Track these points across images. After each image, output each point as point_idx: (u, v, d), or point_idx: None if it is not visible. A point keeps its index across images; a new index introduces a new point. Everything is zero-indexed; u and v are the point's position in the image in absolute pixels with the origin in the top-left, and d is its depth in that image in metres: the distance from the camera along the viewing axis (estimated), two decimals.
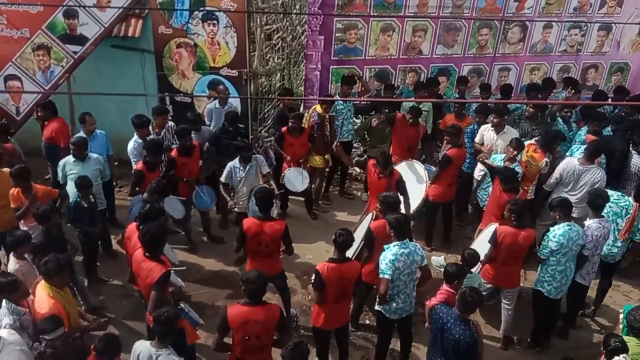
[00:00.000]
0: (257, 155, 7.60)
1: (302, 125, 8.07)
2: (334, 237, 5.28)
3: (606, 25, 9.66)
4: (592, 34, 9.73)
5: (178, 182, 7.44)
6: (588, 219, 6.23)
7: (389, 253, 5.26)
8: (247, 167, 7.23)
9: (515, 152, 7.09)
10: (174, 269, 5.57)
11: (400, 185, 6.84)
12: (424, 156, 8.77)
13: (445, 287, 5.37)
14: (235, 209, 7.44)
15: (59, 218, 6.47)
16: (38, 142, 8.09)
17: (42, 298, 4.87)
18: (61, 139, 7.77)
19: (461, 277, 5.39)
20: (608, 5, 9.48)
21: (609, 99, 9.23)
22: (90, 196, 6.68)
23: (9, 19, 8.05)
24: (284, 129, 8.03)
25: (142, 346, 4.53)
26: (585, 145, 7.46)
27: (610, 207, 6.45)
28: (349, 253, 6.36)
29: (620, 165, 7.56)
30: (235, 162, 7.24)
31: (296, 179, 7.90)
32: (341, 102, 8.46)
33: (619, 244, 6.56)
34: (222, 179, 7.31)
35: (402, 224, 5.34)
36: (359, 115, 9.47)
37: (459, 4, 8.89)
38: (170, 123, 7.97)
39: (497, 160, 7.30)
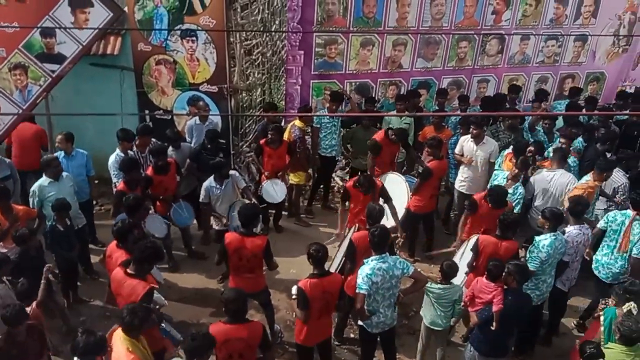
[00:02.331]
0: (233, 172, 7.57)
1: (282, 138, 8.07)
2: (308, 253, 5.24)
3: (582, 35, 9.83)
4: (569, 44, 9.88)
5: (155, 200, 7.40)
6: (568, 225, 6.28)
7: (367, 267, 5.21)
8: (224, 185, 7.19)
9: (518, 172, 7.10)
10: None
11: (384, 194, 6.87)
12: (405, 167, 8.81)
13: (492, 286, 5.34)
14: (215, 227, 7.39)
15: (39, 240, 6.38)
16: None
17: (121, 354, 4.43)
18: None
19: (503, 271, 5.38)
20: (583, 16, 9.66)
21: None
22: (67, 219, 6.57)
23: None
24: (262, 140, 8.05)
25: None
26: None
27: (609, 226, 6.47)
28: (333, 267, 6.39)
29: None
30: (211, 182, 7.19)
31: (273, 190, 7.92)
32: (327, 116, 8.49)
33: (619, 261, 6.40)
34: (201, 199, 7.27)
35: (379, 237, 5.29)
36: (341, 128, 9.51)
37: (438, 18, 8.97)
38: (154, 140, 7.93)
39: (499, 177, 7.31)
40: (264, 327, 4.88)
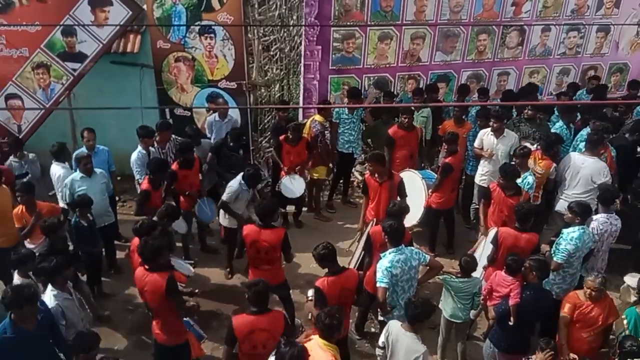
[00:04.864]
0: None
1: (301, 135, 8.08)
2: (317, 253, 5.15)
3: (604, 26, 9.67)
4: (591, 35, 9.74)
5: (179, 195, 7.45)
6: (597, 212, 6.24)
7: (385, 261, 5.21)
8: (250, 190, 7.16)
9: (518, 161, 7.06)
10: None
11: (401, 189, 6.86)
12: (423, 163, 8.76)
13: (509, 279, 5.28)
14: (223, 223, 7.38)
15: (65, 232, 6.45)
16: None
17: None
18: None
19: (522, 266, 5.30)
20: (605, 6, 9.51)
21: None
22: (89, 215, 6.65)
23: (7, 39, 8.09)
24: (281, 137, 8.07)
25: (395, 326, 4.80)
26: None
27: None
28: (353, 262, 6.40)
29: (628, 170, 7.47)
30: (243, 185, 6.97)
31: (292, 185, 7.95)
32: (347, 112, 8.49)
33: None
34: (226, 198, 6.99)
35: (395, 230, 5.29)
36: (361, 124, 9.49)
37: (457, 11, 8.90)
38: (173, 136, 8.00)
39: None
40: (285, 315, 4.90)
